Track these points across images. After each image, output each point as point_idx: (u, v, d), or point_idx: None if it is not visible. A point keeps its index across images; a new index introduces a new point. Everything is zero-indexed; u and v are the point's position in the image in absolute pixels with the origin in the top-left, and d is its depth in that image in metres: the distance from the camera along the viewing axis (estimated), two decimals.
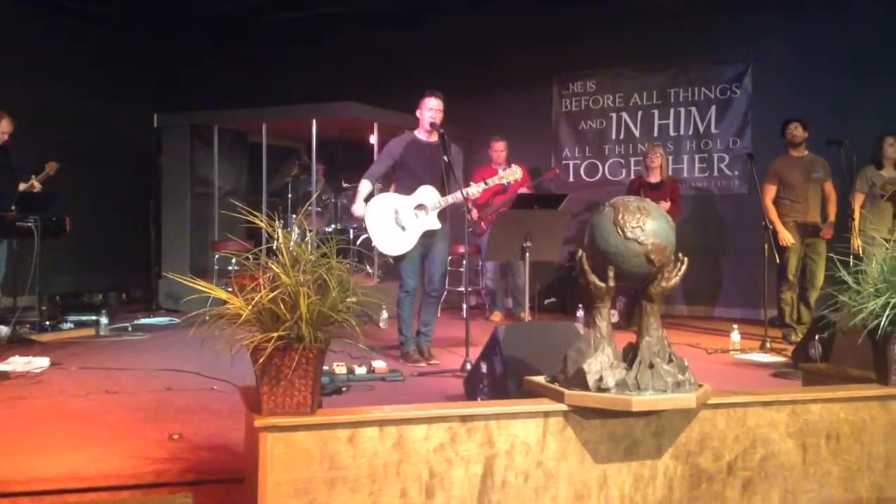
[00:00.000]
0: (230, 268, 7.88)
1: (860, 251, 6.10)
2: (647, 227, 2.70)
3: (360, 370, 4.73)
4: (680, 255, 2.81)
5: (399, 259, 5.27)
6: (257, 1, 9.03)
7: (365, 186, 5.30)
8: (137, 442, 3.25)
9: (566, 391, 2.70)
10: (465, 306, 7.89)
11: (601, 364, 2.72)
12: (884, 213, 6.35)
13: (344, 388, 4.40)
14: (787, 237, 6.48)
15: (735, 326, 6.35)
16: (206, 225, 8.82)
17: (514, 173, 5.37)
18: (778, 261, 6.39)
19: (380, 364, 4.83)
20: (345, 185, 9.16)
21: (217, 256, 7.99)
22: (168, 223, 8.77)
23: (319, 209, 8.64)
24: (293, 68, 10.03)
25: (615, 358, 2.77)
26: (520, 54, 8.90)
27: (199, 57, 9.79)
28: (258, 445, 2.44)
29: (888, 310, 2.95)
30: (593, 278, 2.77)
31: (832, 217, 6.64)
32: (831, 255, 3.35)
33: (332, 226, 8.71)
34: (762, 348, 6.05)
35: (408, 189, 5.27)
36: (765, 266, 6.32)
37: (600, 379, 2.69)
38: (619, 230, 2.70)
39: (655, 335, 2.80)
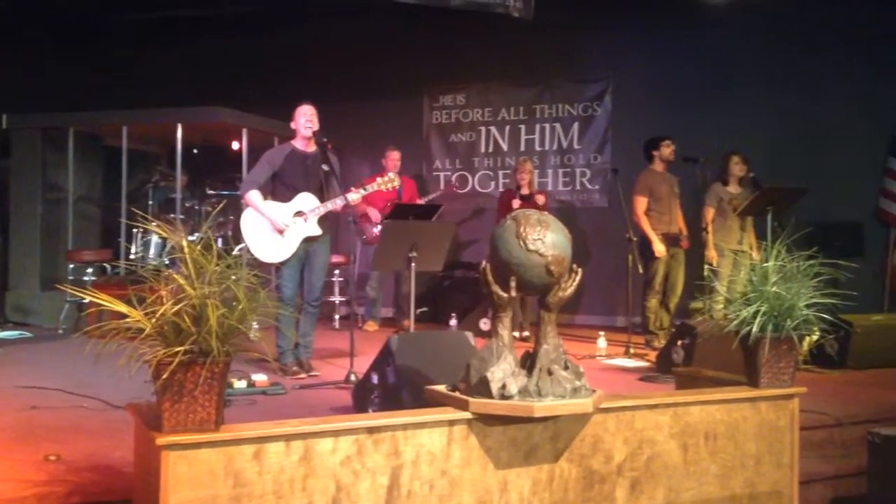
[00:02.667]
0: (86, 278, 7.44)
1: (714, 262, 6.59)
2: (547, 239, 2.80)
3: (240, 384, 4.59)
4: (574, 266, 2.93)
5: (278, 268, 5.16)
6: (120, 0, 8.61)
7: (256, 195, 5.15)
8: (11, 464, 3.02)
9: (471, 399, 2.75)
10: (337, 316, 7.91)
11: (504, 372, 2.79)
12: (732, 227, 6.83)
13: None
14: (660, 249, 6.80)
15: (601, 333, 6.63)
16: (58, 233, 8.28)
17: (391, 180, 5.38)
18: (641, 270, 6.72)
19: (260, 377, 4.70)
20: (209, 191, 8.86)
21: (72, 266, 7.52)
22: (16, 231, 8.17)
23: (182, 217, 8.31)
24: (156, 71, 9.61)
25: (516, 366, 2.85)
26: (390, 66, 8.94)
27: (53, 57, 9.20)
28: (158, 464, 2.34)
29: (758, 317, 3.19)
30: (496, 289, 2.83)
31: (685, 229, 7.09)
32: (709, 264, 3.59)
33: (196, 234, 8.39)
34: (626, 354, 6.35)
35: (284, 198, 5.19)
36: (628, 276, 6.65)
37: (503, 386, 2.76)
38: (521, 242, 2.78)
39: (552, 343, 2.91)
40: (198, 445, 2.38)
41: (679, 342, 5.29)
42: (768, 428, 3.26)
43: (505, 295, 2.84)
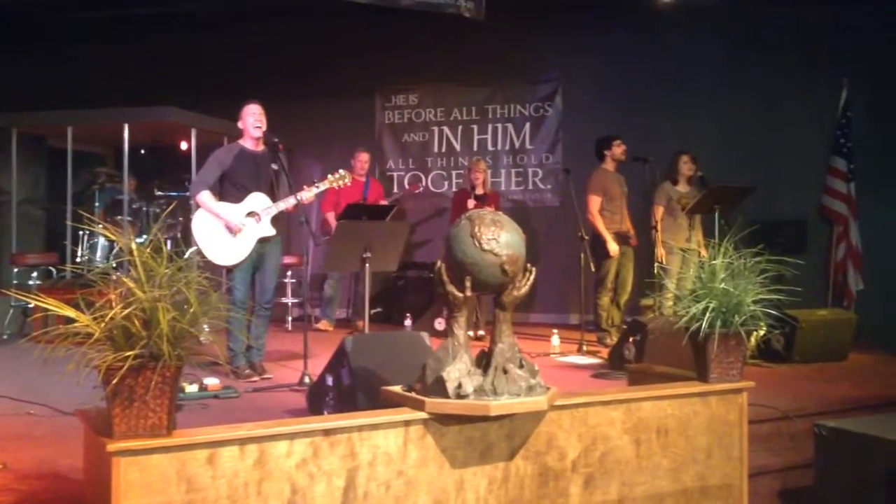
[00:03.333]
0: (31, 282, 7.26)
1: (663, 260, 6.69)
2: (501, 238, 2.82)
3: (192, 388, 4.51)
4: (528, 265, 2.96)
5: (230, 270, 5.09)
6: None
7: (208, 196, 5.07)
8: None
9: (427, 399, 2.75)
10: (290, 318, 7.84)
11: (459, 371, 2.80)
12: (681, 225, 6.95)
13: None
14: (614, 248, 6.86)
15: (555, 331, 6.70)
16: (0, 236, 8.06)
17: (342, 177, 5.33)
18: (593, 268, 6.80)
19: (212, 381, 4.63)
20: (157, 193, 8.71)
21: (16, 270, 7.32)
22: None
23: (130, 218, 8.15)
24: (102, 71, 9.40)
25: (472, 365, 2.86)
26: (342, 65, 8.89)
27: None
28: (109, 471, 2.30)
29: (707, 313, 3.25)
30: (452, 288, 2.84)
31: (632, 228, 7.19)
32: (658, 262, 3.64)
33: (144, 236, 8.24)
34: (579, 351, 6.42)
35: (235, 199, 5.11)
36: (580, 274, 6.71)
37: (459, 386, 2.77)
38: (476, 242, 2.80)
39: (507, 341, 2.93)
40: (149, 451, 2.35)
41: (630, 339, 5.36)
42: (718, 422, 3.33)
43: (460, 295, 2.85)
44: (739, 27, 8.14)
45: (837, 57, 7.90)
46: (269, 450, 2.51)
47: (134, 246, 2.36)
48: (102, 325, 2.28)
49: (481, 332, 6.97)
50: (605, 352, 6.25)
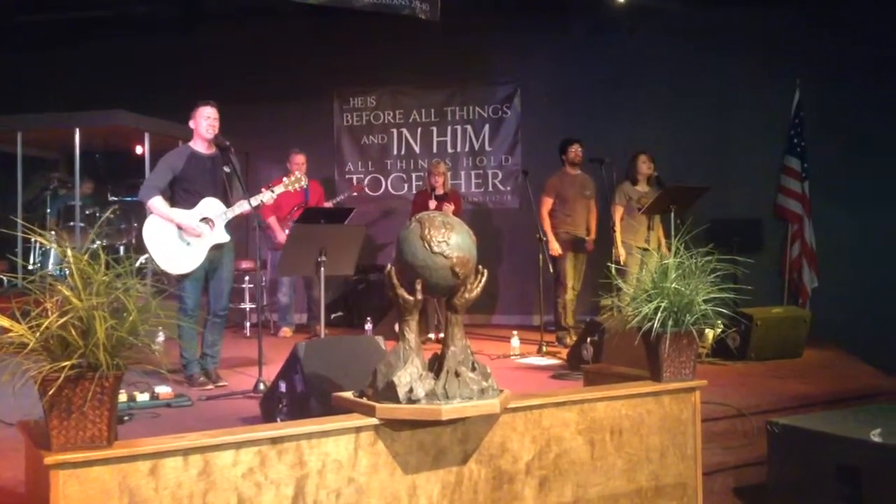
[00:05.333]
0: None
1: (622, 260, 6.73)
2: (451, 241, 2.79)
3: (143, 397, 4.42)
4: (480, 267, 2.93)
5: (183, 277, 4.99)
6: (11, 1, 8.21)
7: (160, 201, 4.96)
8: None
9: (377, 405, 2.72)
10: (248, 323, 7.74)
11: (411, 376, 2.76)
12: (640, 225, 6.99)
13: (125, 418, 4.09)
14: (555, 247, 6.93)
15: (515, 333, 6.70)
16: None
17: (298, 180, 5.26)
18: (551, 269, 6.82)
19: (164, 389, 4.54)
20: (111, 198, 8.56)
21: None
22: None
23: (83, 224, 7.99)
24: (52, 74, 9.21)
25: (423, 369, 2.83)
26: (299, 67, 8.82)
27: None
28: (48, 484, 2.23)
29: (659, 313, 3.26)
30: (402, 292, 2.81)
31: (594, 232, 7.23)
32: (609, 264, 3.65)
33: (97, 243, 8.07)
34: (539, 352, 6.43)
35: (187, 204, 5.01)
36: (539, 275, 6.73)
37: (410, 390, 2.73)
38: (426, 244, 2.77)
39: (460, 344, 2.90)
40: (89, 463, 2.28)
41: (588, 339, 5.37)
42: (672, 421, 3.34)
43: (411, 298, 2.82)
44: (695, 30, 8.22)
45: (790, 58, 8.03)
46: (213, 460, 2.45)
47: (70, 253, 2.28)
48: (38, 334, 2.21)
49: (442, 335, 6.95)
50: (564, 352, 6.26)
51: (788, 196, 8.05)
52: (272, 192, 5.04)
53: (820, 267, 7.94)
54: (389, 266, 2.85)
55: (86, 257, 2.34)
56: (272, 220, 7.27)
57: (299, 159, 7.44)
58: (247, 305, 7.79)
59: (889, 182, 7.90)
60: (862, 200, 7.85)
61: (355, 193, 8.60)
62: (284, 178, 5.21)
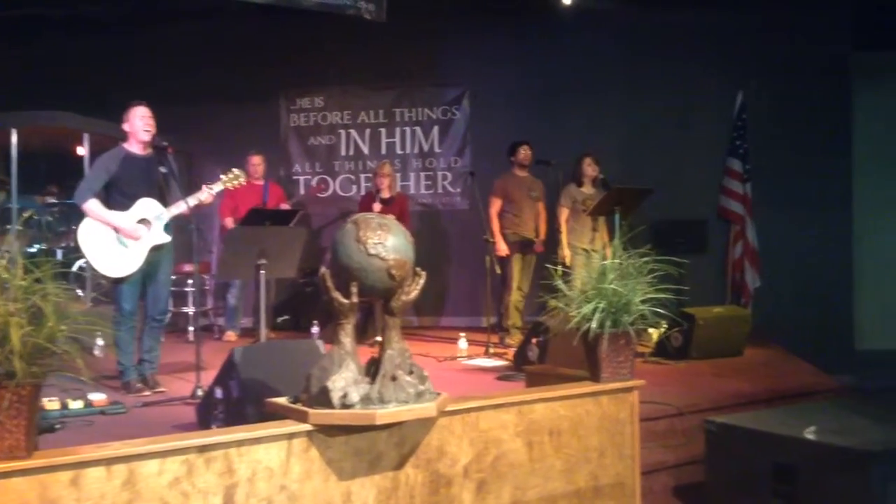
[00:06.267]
0: None
1: (567, 261, 6.77)
2: (388, 243, 2.76)
3: (76, 404, 4.29)
4: (418, 269, 2.90)
5: (120, 281, 4.87)
6: None
7: (97, 204, 4.82)
8: None
9: (310, 411, 2.67)
10: (191, 328, 7.59)
11: (345, 380, 2.72)
12: (585, 226, 7.04)
13: (57, 426, 3.98)
14: (503, 248, 6.95)
15: (462, 334, 6.68)
16: None
17: (236, 177, 5.14)
18: (499, 271, 6.83)
19: (98, 396, 4.42)
20: (50, 200, 8.33)
21: None
22: None
23: (20, 227, 7.75)
24: None
25: (359, 373, 2.79)
26: (245, 67, 8.67)
27: None
28: None
29: (597, 314, 3.27)
30: (337, 295, 2.77)
31: (543, 234, 7.26)
32: (547, 265, 3.65)
33: (36, 246, 7.86)
34: (486, 354, 6.42)
35: (123, 206, 4.87)
36: (486, 276, 6.73)
37: (345, 395, 2.69)
38: (362, 246, 2.73)
39: (397, 348, 2.87)
40: (7, 475, 2.21)
41: (534, 340, 5.38)
42: (610, 421, 3.35)
43: (346, 301, 2.78)
44: (641, 33, 8.31)
45: (733, 62, 8.17)
46: (138, 469, 2.38)
47: None
48: None
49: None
50: (511, 353, 6.27)
51: (731, 197, 8.18)
52: (210, 189, 4.94)
53: (762, 267, 8.07)
54: (324, 269, 2.80)
55: (3, 262, 2.25)
56: (228, 221, 7.15)
57: (255, 160, 7.35)
58: (190, 309, 7.64)
59: (829, 183, 8.09)
60: (803, 201, 8.01)
61: (319, 195, 8.51)
62: (222, 176, 5.08)
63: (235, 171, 5.12)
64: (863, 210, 8.36)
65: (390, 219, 2.88)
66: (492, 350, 6.46)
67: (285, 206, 7.46)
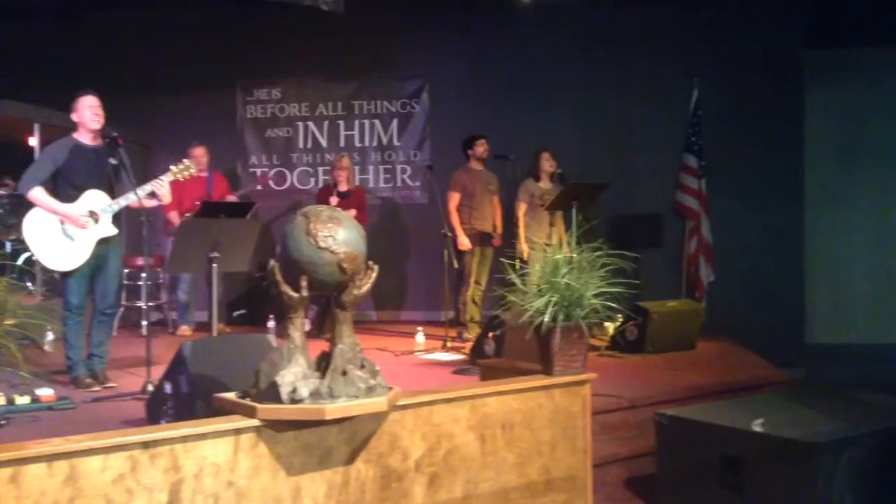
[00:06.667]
0: None
1: (525, 255, 6.79)
2: (338, 236, 2.73)
3: (23, 399, 4.20)
4: (370, 263, 2.88)
5: (67, 274, 4.76)
6: None
7: (43, 193, 4.70)
8: None
9: (259, 406, 2.63)
10: (144, 322, 7.45)
11: (294, 375, 2.69)
12: (543, 221, 7.08)
13: (2, 422, 3.89)
14: (465, 242, 6.95)
15: (420, 329, 6.68)
16: None
17: (187, 167, 5.04)
18: (456, 265, 6.83)
19: (46, 391, 4.33)
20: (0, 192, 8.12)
21: None
22: None
23: None
24: None
25: (309, 368, 2.76)
26: (202, 57, 8.54)
27: None
28: None
29: (549, 307, 3.29)
30: (286, 288, 2.73)
31: (500, 228, 7.28)
32: (501, 259, 3.66)
33: None
34: (444, 348, 6.42)
35: (70, 197, 4.76)
36: (444, 270, 6.73)
37: (294, 390, 2.66)
38: (312, 239, 2.69)
39: (348, 342, 2.84)
40: None
41: (490, 334, 5.39)
42: (562, 414, 3.37)
43: (295, 295, 2.75)
44: (598, 29, 8.35)
45: (689, 58, 8.24)
46: (80, 466, 2.33)
47: None
48: None
49: None
50: (468, 347, 6.28)
51: (686, 193, 8.27)
52: (160, 181, 4.84)
53: (716, 261, 8.19)
54: (273, 262, 2.76)
55: None
56: (173, 215, 7.03)
57: (198, 152, 7.21)
58: (143, 303, 7.51)
59: (781, 179, 8.22)
60: (757, 197, 8.13)
61: (260, 186, 8.39)
62: (172, 167, 4.99)
63: (186, 161, 5.03)
64: (814, 206, 8.53)
65: (341, 211, 2.85)
66: (449, 344, 6.46)
67: (231, 198, 7.37)
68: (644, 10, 8.25)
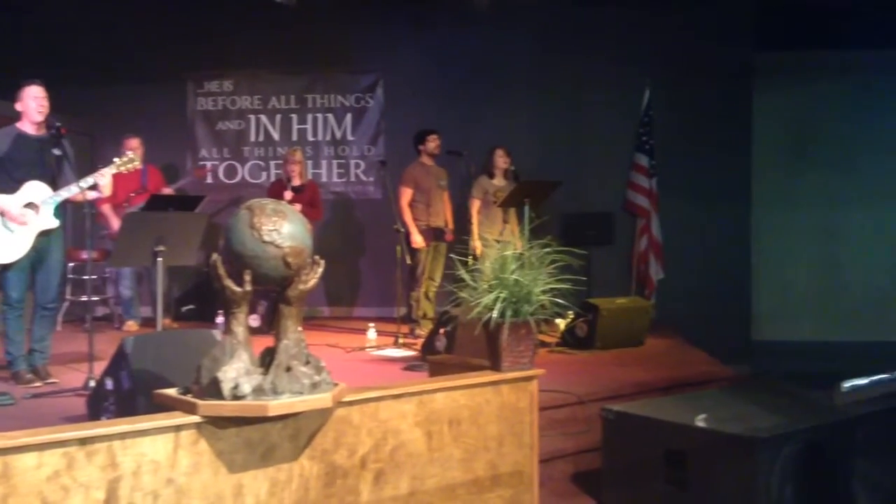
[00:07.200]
0: None
1: (478, 252, 6.79)
2: (283, 230, 2.69)
3: None
4: (317, 257, 2.85)
5: (6, 267, 4.63)
6: None
7: None
8: None
9: (199, 402, 2.59)
10: (89, 317, 7.28)
11: (237, 371, 2.65)
12: (496, 218, 7.09)
13: None
14: (418, 240, 6.93)
15: (371, 325, 6.65)
16: None
17: (131, 160, 4.94)
18: (409, 261, 6.82)
19: None
20: None
21: None
22: None
23: None
24: None
25: (252, 364, 2.72)
26: (150, 47, 8.37)
27: None
28: None
29: (498, 303, 3.29)
30: (229, 283, 2.69)
31: (451, 223, 7.28)
32: (451, 255, 3.65)
33: None
34: (396, 344, 6.40)
35: (10, 189, 4.63)
36: (397, 266, 6.71)
37: (236, 387, 2.62)
38: (256, 233, 2.66)
39: (293, 337, 2.81)
40: None
41: (441, 330, 5.39)
42: (510, 410, 3.38)
43: (238, 290, 2.71)
44: (554, 27, 8.39)
45: (642, 58, 8.33)
46: (14, 463, 2.26)
47: None
48: None
49: (299, 328, 6.80)
50: (420, 344, 6.27)
51: (637, 191, 8.36)
52: (102, 175, 4.73)
53: (666, 259, 8.30)
54: (215, 256, 2.72)
55: None
56: (106, 208, 6.86)
57: (133, 143, 7.01)
58: (87, 298, 7.34)
59: (730, 179, 8.36)
60: (706, 197, 8.26)
61: (197, 177, 8.19)
62: (115, 159, 4.88)
63: (129, 153, 4.93)
64: (761, 205, 8.70)
65: (286, 205, 2.82)
66: (401, 341, 6.44)
67: (167, 191, 7.23)
68: (598, 10, 8.32)
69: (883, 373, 3.92)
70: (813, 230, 9.20)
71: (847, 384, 2.30)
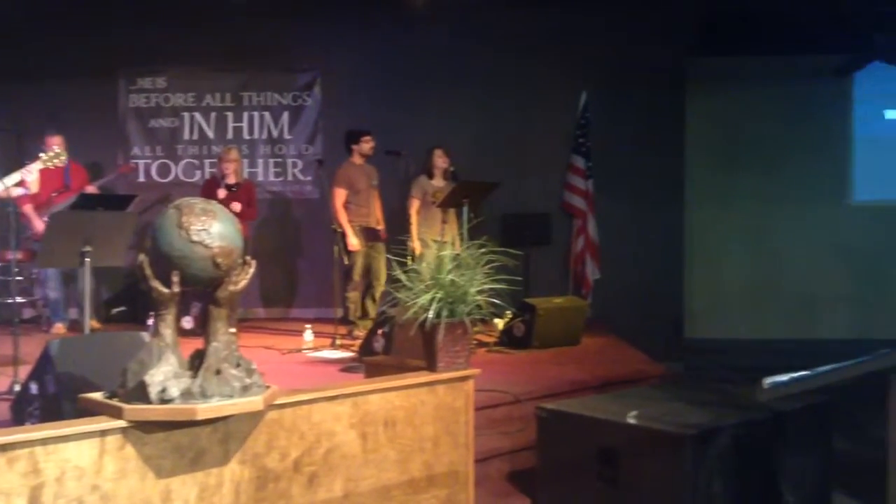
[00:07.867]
0: None
1: (417, 252, 6.79)
2: (213, 229, 2.64)
3: None
4: (248, 258, 2.81)
5: None
6: None
7: None
8: None
9: (125, 406, 2.53)
10: (17, 320, 7.05)
11: (164, 374, 2.60)
12: (435, 218, 7.08)
13: None
14: (353, 243, 6.87)
15: (308, 326, 6.58)
16: None
17: (56, 155, 4.77)
18: (347, 261, 6.78)
19: None
20: None
21: None
22: None
23: None
24: None
25: (181, 366, 2.67)
26: (81, 42, 8.14)
27: None
28: None
29: (434, 304, 3.29)
30: (156, 284, 2.63)
31: (382, 222, 7.26)
32: (388, 255, 3.64)
33: None
34: (333, 345, 6.35)
35: None
36: (334, 267, 6.66)
37: (163, 390, 2.57)
38: (184, 233, 2.60)
39: (223, 340, 2.77)
40: None
41: (380, 331, 5.37)
42: (445, 410, 3.38)
43: (166, 291, 2.65)
44: (494, 28, 8.43)
45: (578, 61, 8.45)
46: None
47: None
48: None
49: (233, 330, 6.69)
50: (358, 345, 6.23)
51: (574, 193, 8.47)
52: (28, 171, 4.57)
53: (602, 260, 8.42)
54: (142, 256, 2.65)
55: None
56: (28, 208, 6.64)
57: (55, 141, 6.78)
58: (13, 300, 7.09)
59: (663, 181, 8.53)
60: (641, 198, 8.41)
61: (122, 173, 7.96)
62: (42, 154, 4.71)
63: (55, 149, 4.77)
64: (694, 206, 8.91)
65: (216, 204, 2.77)
66: (339, 342, 6.39)
67: (91, 189, 7.04)
68: (537, 13, 8.39)
69: (810, 369, 4.04)
70: (745, 230, 9.47)
71: (768, 381, 2.36)
